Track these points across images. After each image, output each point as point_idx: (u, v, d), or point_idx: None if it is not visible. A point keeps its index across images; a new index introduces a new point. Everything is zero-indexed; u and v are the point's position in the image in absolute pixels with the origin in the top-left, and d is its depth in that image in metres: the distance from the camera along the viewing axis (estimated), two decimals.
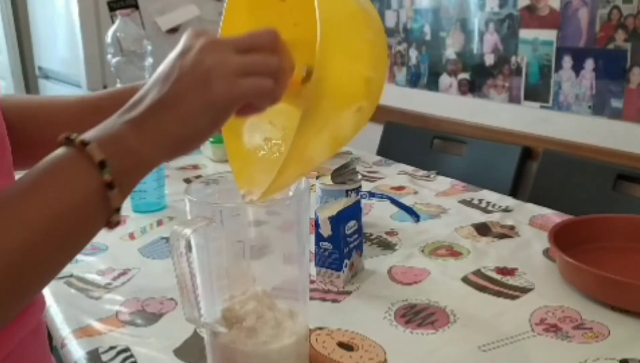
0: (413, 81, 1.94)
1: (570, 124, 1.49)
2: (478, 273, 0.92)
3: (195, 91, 0.48)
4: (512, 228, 1.09)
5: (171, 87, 0.48)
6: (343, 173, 1.05)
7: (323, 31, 0.49)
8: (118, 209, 0.47)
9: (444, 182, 1.40)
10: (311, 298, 0.81)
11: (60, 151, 0.47)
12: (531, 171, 1.60)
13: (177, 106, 0.48)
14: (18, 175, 0.52)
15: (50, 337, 0.78)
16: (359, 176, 1.06)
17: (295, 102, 0.56)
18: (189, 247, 0.56)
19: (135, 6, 2.29)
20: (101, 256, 1.00)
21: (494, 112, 1.69)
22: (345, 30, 0.54)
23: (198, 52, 0.48)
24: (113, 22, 1.55)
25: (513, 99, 1.62)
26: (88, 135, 0.47)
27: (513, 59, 1.60)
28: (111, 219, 0.47)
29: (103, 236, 1.08)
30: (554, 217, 1.13)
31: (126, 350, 0.73)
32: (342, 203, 0.90)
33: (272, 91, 0.51)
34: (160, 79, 0.49)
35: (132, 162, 0.47)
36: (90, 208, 0.46)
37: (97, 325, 0.79)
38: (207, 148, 1.61)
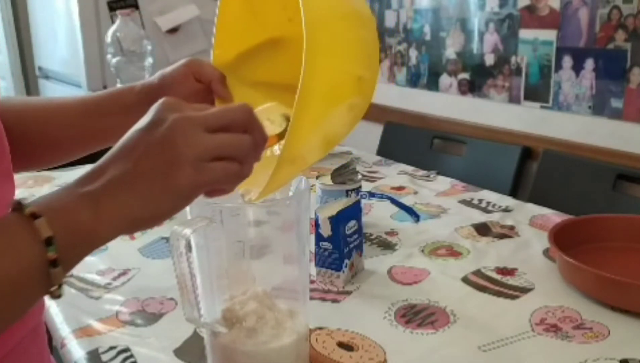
0: (413, 81, 1.94)
1: (570, 124, 1.49)
2: (478, 273, 0.92)
3: (159, 173, 0.46)
4: (512, 228, 1.09)
5: (134, 165, 0.46)
6: (343, 173, 1.05)
7: (309, 29, 0.49)
8: (60, 286, 0.44)
9: (444, 182, 1.40)
10: (311, 298, 0.81)
11: (8, 216, 0.44)
12: (531, 171, 1.60)
13: (137, 185, 0.46)
14: (20, 177, 0.52)
15: (50, 337, 0.78)
16: (359, 176, 1.06)
17: (291, 101, 0.56)
18: (189, 247, 0.56)
19: (135, 6, 2.29)
20: (101, 256, 1.00)
21: (494, 112, 1.69)
22: (333, 28, 0.54)
23: (168, 129, 0.46)
24: (113, 22, 1.55)
25: (513, 99, 1.62)
26: (41, 203, 0.44)
27: (513, 59, 1.60)
28: (52, 293, 0.45)
29: None
30: (554, 217, 1.13)
31: (126, 350, 0.73)
32: (342, 203, 0.90)
33: (239, 174, 0.49)
34: (123, 151, 0.47)
35: (82, 238, 0.45)
36: (30, 281, 0.43)
37: (97, 325, 0.79)
38: None
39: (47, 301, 0.85)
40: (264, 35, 0.69)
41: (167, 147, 0.46)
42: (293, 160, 0.55)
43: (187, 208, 0.60)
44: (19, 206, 0.44)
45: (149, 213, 0.46)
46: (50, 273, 0.43)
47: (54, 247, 0.43)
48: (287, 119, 0.61)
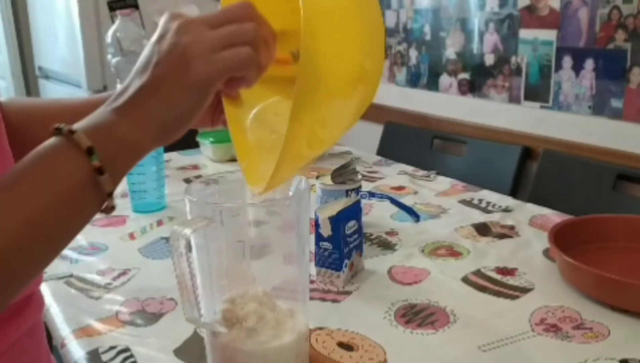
0: (413, 81, 1.94)
1: (570, 124, 1.49)
2: (478, 273, 0.92)
3: (174, 73, 0.48)
4: (512, 228, 1.09)
5: (151, 73, 0.49)
6: (343, 173, 1.05)
7: (306, 16, 0.49)
8: (111, 194, 0.48)
9: (444, 182, 1.40)
10: (311, 298, 0.81)
11: (50, 141, 0.47)
12: (531, 171, 1.60)
13: (159, 90, 0.48)
14: None
15: (50, 337, 0.78)
16: (359, 176, 1.06)
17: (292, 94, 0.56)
18: (189, 247, 0.56)
19: (135, 6, 2.29)
20: (101, 256, 1.00)
21: (494, 112, 1.69)
22: (333, 15, 0.54)
23: (173, 34, 0.49)
24: (113, 22, 1.55)
25: (513, 99, 1.62)
26: (77, 125, 0.47)
27: (513, 59, 1.60)
28: (106, 205, 0.48)
29: (103, 236, 1.08)
30: (554, 217, 1.13)
31: (126, 350, 0.73)
32: (342, 203, 0.90)
33: (253, 59, 0.50)
34: (141, 66, 0.50)
35: (120, 147, 0.48)
36: (81, 193, 0.46)
37: (97, 325, 0.79)
38: (207, 148, 1.61)
39: (47, 301, 0.85)
40: None
41: (176, 49, 0.48)
42: (298, 151, 0.55)
43: (187, 208, 0.60)
44: (56, 130, 0.47)
45: (175, 113, 0.49)
46: (100, 181, 0.46)
47: (96, 155, 0.46)
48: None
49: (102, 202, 0.48)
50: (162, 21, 0.51)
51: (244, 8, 0.51)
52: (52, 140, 0.47)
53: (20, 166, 0.46)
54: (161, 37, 0.50)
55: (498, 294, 0.85)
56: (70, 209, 0.47)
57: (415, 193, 1.32)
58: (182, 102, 0.49)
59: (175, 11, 0.52)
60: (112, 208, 0.49)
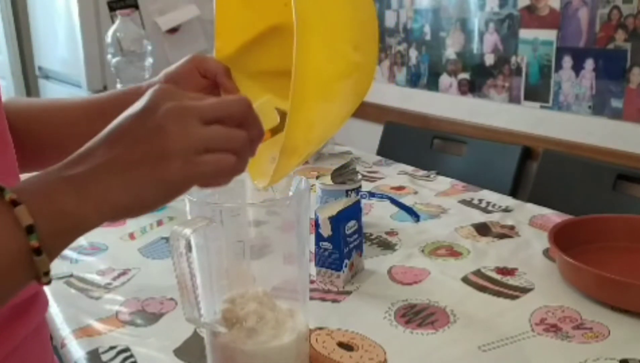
0: (413, 81, 1.94)
1: (570, 124, 1.49)
2: (478, 273, 0.92)
3: (149, 162, 0.44)
4: (512, 228, 1.09)
5: (123, 151, 0.44)
6: (343, 173, 1.05)
7: (299, 11, 0.49)
8: (46, 272, 0.43)
9: (444, 182, 1.40)
10: (311, 298, 0.81)
11: None
12: (531, 171, 1.60)
13: (125, 173, 0.44)
14: (23, 176, 0.52)
15: (50, 337, 0.78)
16: (359, 176, 1.06)
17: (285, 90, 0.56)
18: (189, 247, 0.56)
19: (135, 6, 2.29)
20: (101, 256, 1.00)
21: (494, 112, 1.69)
22: (325, 7, 0.54)
23: (161, 117, 0.45)
24: (113, 22, 1.55)
25: (513, 99, 1.62)
26: (23, 189, 0.43)
27: (513, 59, 1.60)
28: (40, 280, 0.43)
29: (103, 236, 1.08)
30: (554, 217, 1.13)
31: (126, 350, 0.73)
32: (342, 203, 0.90)
33: (233, 168, 0.48)
34: (113, 136, 0.45)
35: (65, 224, 0.43)
36: (14, 269, 0.42)
37: (97, 325, 0.79)
38: None
39: (49, 300, 0.85)
40: (263, 23, 0.69)
41: (159, 136, 0.44)
42: (294, 150, 0.55)
43: (187, 208, 0.60)
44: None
45: (135, 202, 0.45)
46: (35, 261, 0.42)
47: (36, 235, 0.41)
48: (282, 113, 0.61)
49: (34, 277, 0.43)
50: (149, 94, 0.46)
51: (241, 107, 0.48)
52: None
53: None
54: (146, 113, 0.45)
55: (498, 294, 0.85)
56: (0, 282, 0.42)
57: (415, 193, 1.32)
58: (146, 194, 0.45)
59: (167, 86, 0.47)
60: (47, 283, 0.44)
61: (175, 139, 0.44)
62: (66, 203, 0.43)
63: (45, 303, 0.67)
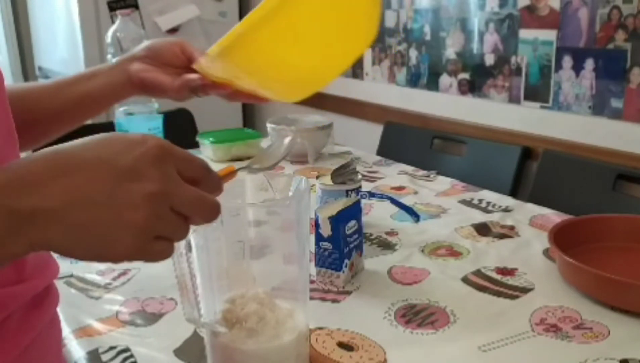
0: (413, 81, 1.94)
1: (570, 124, 1.49)
2: (478, 273, 0.92)
3: (101, 232, 0.41)
4: (512, 228, 1.09)
5: (82, 204, 0.40)
6: (343, 173, 1.04)
7: None
8: None
9: (444, 182, 1.40)
10: (311, 298, 0.81)
11: None
12: (531, 171, 1.60)
13: (75, 226, 0.40)
14: None
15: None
16: (359, 176, 1.06)
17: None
18: (189, 247, 0.56)
19: (135, 6, 2.29)
20: None
21: (494, 112, 1.69)
22: None
23: (142, 196, 0.41)
24: (113, 22, 1.55)
25: (513, 99, 1.62)
26: None
27: (513, 59, 1.60)
28: None
29: None
30: (554, 217, 1.13)
31: (126, 350, 0.73)
32: (342, 203, 0.90)
33: (169, 254, 0.46)
34: (75, 173, 0.40)
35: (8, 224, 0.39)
36: None
37: (97, 325, 0.79)
38: (207, 148, 1.61)
39: None
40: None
41: (126, 206, 0.41)
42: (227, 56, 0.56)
43: None
44: None
45: (72, 251, 0.42)
46: None
47: None
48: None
49: None
50: (144, 153, 0.42)
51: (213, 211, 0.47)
52: None
53: None
54: (125, 175, 0.41)
55: (498, 294, 0.85)
56: None
57: (415, 193, 1.32)
58: (84, 251, 0.41)
59: (162, 151, 0.43)
60: None
61: (139, 216, 0.41)
62: (17, 204, 0.39)
63: (57, 295, 0.68)
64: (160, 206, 0.42)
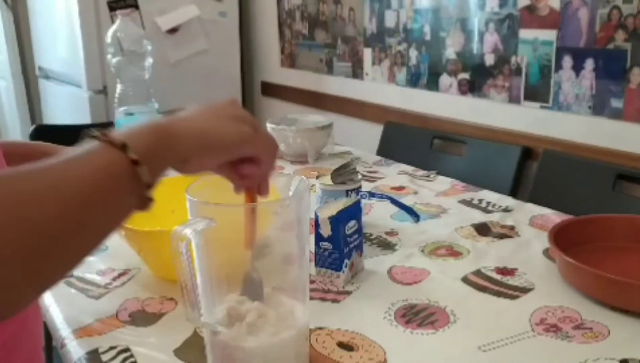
0: (413, 81, 1.94)
1: (570, 124, 1.49)
2: (478, 273, 0.92)
3: (227, 117, 0.57)
4: (512, 228, 1.09)
5: (210, 110, 0.58)
6: (343, 173, 1.05)
7: None
8: (150, 186, 0.49)
9: (444, 182, 1.40)
10: (311, 298, 0.81)
11: (85, 144, 0.48)
12: (531, 171, 1.60)
13: (208, 116, 0.57)
14: None
15: (49, 337, 0.78)
16: (359, 176, 1.06)
17: None
18: (189, 247, 0.56)
19: (135, 6, 2.29)
20: (101, 256, 1.00)
21: (494, 112, 1.69)
22: None
23: (230, 103, 0.60)
24: (113, 22, 1.55)
25: (513, 99, 1.62)
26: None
27: (513, 59, 1.60)
28: (144, 194, 0.49)
29: None
30: (554, 217, 1.13)
31: (126, 350, 0.73)
32: (342, 203, 0.90)
33: (262, 174, 0.61)
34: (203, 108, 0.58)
35: (158, 140, 0.51)
36: (118, 184, 0.47)
37: (97, 325, 0.79)
38: None
39: (47, 301, 0.85)
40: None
41: (233, 107, 0.59)
42: None
43: (188, 208, 0.60)
44: (90, 136, 0.49)
45: (218, 132, 0.56)
46: (137, 172, 0.48)
47: (131, 150, 0.48)
48: None
49: (140, 194, 0.48)
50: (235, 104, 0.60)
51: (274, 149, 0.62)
52: (87, 143, 0.48)
53: (58, 158, 0.46)
54: (223, 102, 0.59)
55: (498, 294, 0.85)
56: (107, 201, 0.47)
57: (415, 193, 1.32)
58: (226, 131, 0.56)
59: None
60: (149, 200, 0.50)
61: (240, 111, 0.59)
62: (161, 122, 0.53)
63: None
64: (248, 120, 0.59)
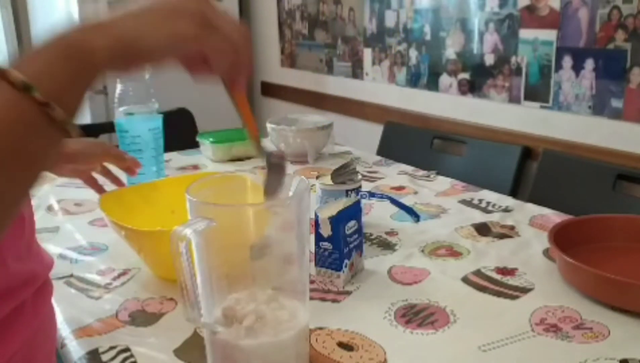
0: (413, 81, 1.94)
1: (570, 124, 1.49)
2: (478, 273, 0.92)
3: (167, 10, 0.49)
4: (512, 228, 1.09)
5: (146, 3, 0.49)
6: (343, 173, 1.05)
7: None
8: (67, 120, 0.44)
9: (444, 182, 1.40)
10: (311, 298, 0.81)
11: None
12: (531, 171, 1.60)
13: (140, 16, 0.48)
14: None
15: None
16: (359, 176, 1.06)
17: None
18: (189, 247, 0.56)
19: None
20: (101, 256, 1.00)
21: (494, 112, 1.69)
22: None
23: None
24: None
25: (513, 99, 1.62)
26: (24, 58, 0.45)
27: (513, 59, 1.60)
28: (64, 128, 0.44)
29: (103, 236, 1.08)
30: (554, 217, 1.13)
31: (126, 350, 0.73)
32: (342, 203, 0.90)
33: (234, 59, 0.53)
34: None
35: (68, 67, 0.45)
36: (30, 128, 0.43)
37: (97, 325, 0.79)
38: (207, 148, 1.61)
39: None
40: None
41: (181, 6, 0.50)
42: None
43: (187, 208, 0.60)
44: None
45: (142, 36, 0.47)
46: (51, 114, 0.43)
47: (35, 90, 0.42)
48: None
49: (60, 129, 0.44)
50: None
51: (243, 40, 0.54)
52: None
53: None
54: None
55: (498, 294, 0.85)
56: (21, 149, 0.43)
57: (415, 193, 1.32)
58: (154, 33, 0.48)
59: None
60: (74, 129, 0.45)
61: (197, 5, 0.50)
62: (72, 37, 0.45)
63: (52, 287, 0.71)
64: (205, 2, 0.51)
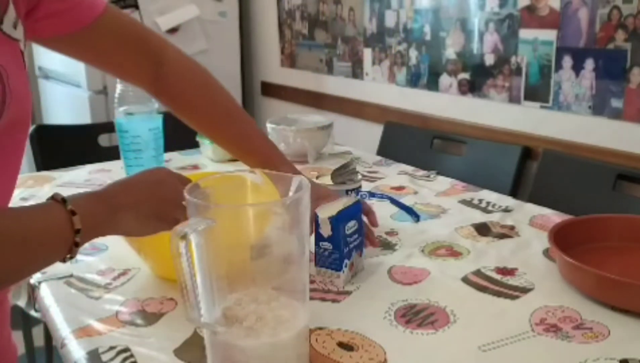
0: (413, 81, 1.94)
1: (570, 124, 1.49)
2: (478, 273, 0.92)
3: (152, 201, 0.71)
4: (512, 228, 1.09)
5: (145, 197, 0.71)
6: (343, 173, 1.05)
7: None
8: (79, 245, 0.64)
9: (444, 182, 1.40)
10: (311, 298, 0.81)
11: (53, 205, 0.64)
12: (531, 171, 1.60)
13: (139, 211, 0.70)
14: (20, 177, 0.68)
15: (50, 337, 0.78)
16: (359, 176, 1.06)
17: None
18: (189, 247, 0.56)
19: (135, 6, 2.29)
20: (101, 256, 1.00)
21: (494, 112, 1.69)
22: None
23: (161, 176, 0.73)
24: None
25: (513, 99, 1.62)
26: (78, 203, 0.64)
27: (513, 59, 1.60)
28: (65, 261, 0.65)
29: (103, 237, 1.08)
30: (554, 217, 1.13)
31: (126, 350, 0.73)
32: (342, 203, 0.90)
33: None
34: (138, 188, 0.71)
35: (95, 231, 0.66)
36: (59, 253, 0.64)
37: (97, 325, 0.79)
38: (207, 148, 1.61)
39: (47, 301, 0.85)
40: None
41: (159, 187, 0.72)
42: None
43: (187, 208, 0.60)
44: (62, 200, 0.63)
45: (138, 229, 0.71)
46: (72, 250, 0.64)
47: (80, 236, 0.63)
48: None
49: (69, 249, 0.63)
50: (157, 172, 0.74)
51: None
52: (53, 205, 0.64)
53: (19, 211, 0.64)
54: (157, 183, 0.72)
55: (498, 294, 0.85)
56: (41, 251, 0.62)
57: (415, 193, 1.32)
58: (144, 229, 0.71)
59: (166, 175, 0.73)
60: (75, 252, 0.64)
61: (171, 210, 0.70)
62: (102, 219, 0.67)
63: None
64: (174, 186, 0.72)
